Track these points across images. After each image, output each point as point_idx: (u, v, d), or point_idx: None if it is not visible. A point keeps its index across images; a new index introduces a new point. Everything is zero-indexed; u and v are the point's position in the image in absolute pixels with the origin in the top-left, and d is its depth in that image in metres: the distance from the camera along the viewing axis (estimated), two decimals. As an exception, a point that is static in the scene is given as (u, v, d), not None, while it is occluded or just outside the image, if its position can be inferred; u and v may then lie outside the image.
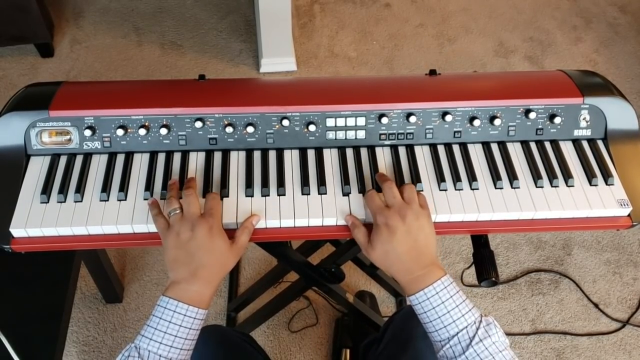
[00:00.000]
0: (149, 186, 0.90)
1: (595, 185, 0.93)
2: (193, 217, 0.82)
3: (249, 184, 0.90)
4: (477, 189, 0.92)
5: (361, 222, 0.87)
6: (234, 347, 1.09)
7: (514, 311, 1.74)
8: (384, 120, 0.94)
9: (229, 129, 0.93)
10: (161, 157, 0.94)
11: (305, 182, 0.91)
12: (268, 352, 1.18)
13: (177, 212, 0.83)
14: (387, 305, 1.73)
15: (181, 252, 0.80)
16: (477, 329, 0.78)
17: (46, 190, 0.88)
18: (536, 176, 0.93)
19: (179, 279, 0.80)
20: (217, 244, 0.81)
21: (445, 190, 0.91)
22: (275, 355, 1.63)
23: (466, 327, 0.78)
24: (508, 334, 1.69)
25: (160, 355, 0.76)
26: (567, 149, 0.97)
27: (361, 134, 0.95)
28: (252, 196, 0.89)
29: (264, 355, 1.14)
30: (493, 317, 0.81)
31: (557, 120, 0.96)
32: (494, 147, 0.97)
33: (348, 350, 1.57)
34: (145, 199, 0.89)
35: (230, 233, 0.88)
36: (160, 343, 0.76)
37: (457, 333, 0.78)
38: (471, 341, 0.77)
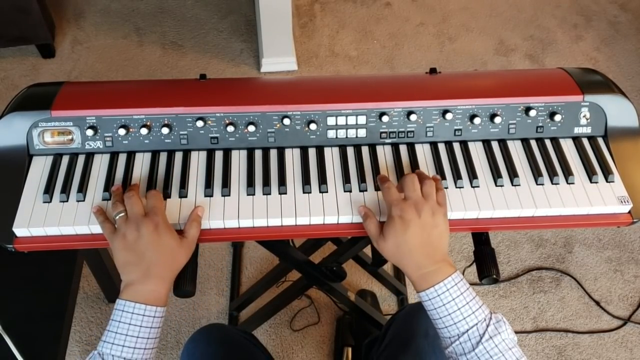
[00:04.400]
0: (150, 185, 0.90)
1: (596, 183, 0.93)
2: (137, 217, 0.82)
3: (250, 182, 0.91)
4: (478, 186, 0.92)
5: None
6: (236, 346, 1.09)
7: (516, 309, 1.75)
8: (385, 118, 0.94)
9: (230, 128, 0.93)
10: (163, 157, 0.94)
11: (306, 180, 0.91)
12: (270, 351, 1.18)
13: (122, 214, 0.83)
14: (388, 304, 1.73)
15: (130, 253, 0.80)
16: (487, 326, 0.78)
17: (49, 189, 0.89)
18: (537, 174, 0.93)
19: (132, 280, 0.80)
20: (165, 240, 0.81)
21: (446, 188, 0.92)
22: (277, 353, 1.64)
23: (476, 324, 0.78)
24: (509, 332, 1.70)
25: (124, 359, 0.76)
26: (568, 146, 0.97)
27: (362, 133, 0.96)
28: (253, 195, 0.90)
29: (266, 354, 1.14)
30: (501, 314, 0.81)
31: (558, 117, 0.96)
32: (495, 145, 0.97)
33: (350, 349, 1.58)
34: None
35: (231, 232, 0.89)
36: (123, 346, 0.76)
37: (468, 330, 0.78)
38: (481, 338, 0.77)
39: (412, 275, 0.83)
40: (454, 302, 0.79)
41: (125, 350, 0.76)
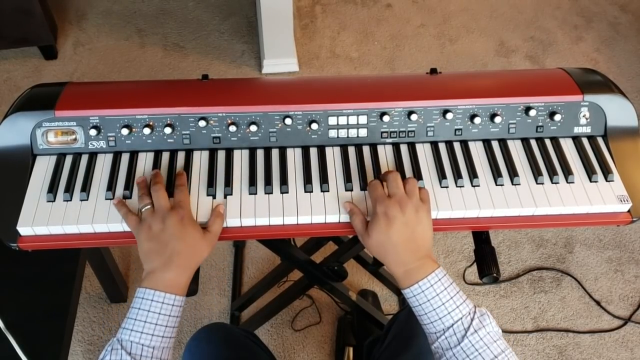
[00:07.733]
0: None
1: (595, 182, 0.93)
2: (163, 210, 0.84)
3: (252, 182, 0.91)
4: (478, 185, 0.93)
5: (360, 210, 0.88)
6: (238, 345, 1.09)
7: (516, 309, 1.75)
8: (386, 118, 0.95)
9: (232, 128, 0.94)
10: (165, 156, 0.95)
11: (307, 179, 0.92)
12: (272, 351, 1.18)
13: (148, 207, 0.85)
14: (389, 304, 1.74)
15: (154, 243, 0.82)
16: (472, 320, 0.79)
17: (52, 189, 0.89)
18: (536, 173, 0.93)
19: (154, 268, 0.81)
20: (189, 232, 0.83)
21: (447, 187, 0.92)
22: (278, 353, 1.64)
23: (461, 318, 0.79)
24: (510, 332, 1.70)
25: (142, 345, 0.77)
26: (567, 146, 0.98)
27: (363, 132, 0.96)
28: (255, 194, 0.90)
29: (268, 353, 1.15)
30: (486, 308, 0.82)
31: (557, 117, 0.97)
32: (495, 145, 0.97)
33: (351, 349, 1.58)
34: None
35: (233, 230, 0.90)
36: (142, 332, 0.77)
37: (452, 324, 0.79)
38: (466, 332, 0.78)
39: (396, 272, 0.84)
40: (437, 297, 0.80)
41: (144, 337, 0.77)
